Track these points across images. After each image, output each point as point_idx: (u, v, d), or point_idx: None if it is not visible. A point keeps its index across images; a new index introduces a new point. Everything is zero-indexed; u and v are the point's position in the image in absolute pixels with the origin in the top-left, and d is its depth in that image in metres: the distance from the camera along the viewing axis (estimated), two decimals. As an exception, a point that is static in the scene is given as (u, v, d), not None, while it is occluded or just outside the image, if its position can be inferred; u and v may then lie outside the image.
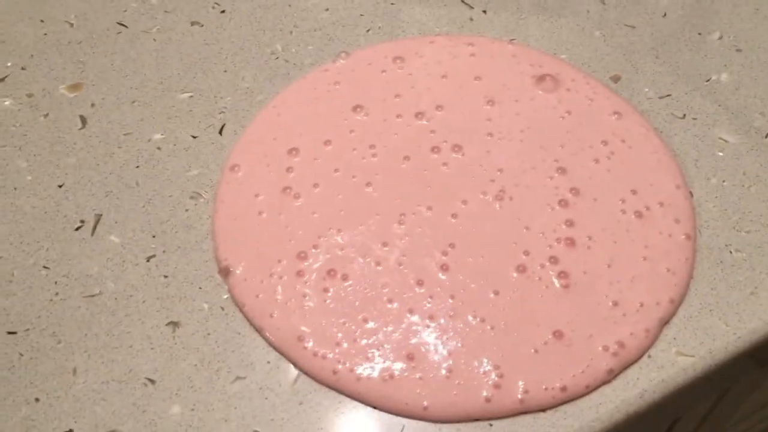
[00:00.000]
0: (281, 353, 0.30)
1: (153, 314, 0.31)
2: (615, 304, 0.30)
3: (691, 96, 0.39)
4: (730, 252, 0.33)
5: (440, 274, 0.31)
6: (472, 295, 0.31)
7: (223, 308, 0.31)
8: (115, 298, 0.31)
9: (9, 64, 0.40)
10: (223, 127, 0.38)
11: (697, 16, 0.43)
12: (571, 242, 0.32)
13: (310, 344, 0.30)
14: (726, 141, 0.37)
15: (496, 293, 0.31)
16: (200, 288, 0.32)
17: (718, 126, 0.37)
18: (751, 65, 0.40)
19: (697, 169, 0.35)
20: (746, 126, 0.37)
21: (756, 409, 0.50)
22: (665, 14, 0.43)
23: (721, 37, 0.42)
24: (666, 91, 0.39)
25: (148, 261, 0.33)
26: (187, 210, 0.34)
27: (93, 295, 0.31)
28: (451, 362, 0.29)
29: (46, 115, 0.38)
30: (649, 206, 0.33)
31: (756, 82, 0.39)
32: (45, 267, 0.32)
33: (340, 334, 0.30)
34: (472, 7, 0.43)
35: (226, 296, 0.32)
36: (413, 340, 0.29)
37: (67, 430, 0.28)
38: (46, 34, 0.42)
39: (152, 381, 0.29)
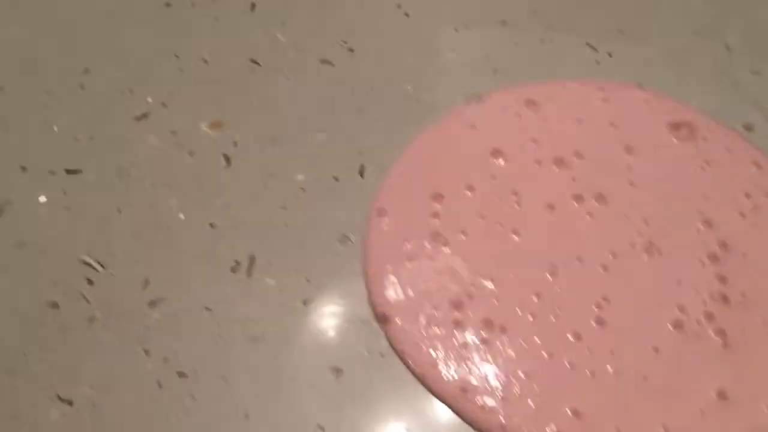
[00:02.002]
0: (446, 403, 0.30)
1: (315, 359, 0.32)
2: (777, 364, 0.31)
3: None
4: None
5: (597, 328, 0.32)
6: (633, 351, 0.31)
7: (382, 355, 0.32)
8: (278, 342, 0.32)
9: (149, 100, 0.41)
10: (362, 168, 0.38)
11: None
12: (725, 299, 0.33)
13: (475, 396, 0.30)
14: None
15: (656, 350, 0.31)
16: (359, 334, 0.33)
17: None
18: None
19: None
20: None
21: None
22: (793, 60, 0.43)
23: None
24: (801, 140, 0.39)
25: (305, 305, 0.33)
26: (337, 254, 0.35)
27: (256, 339, 0.32)
28: (618, 419, 0.29)
29: (191, 153, 0.39)
30: (802, 263, 0.33)
31: None
32: (207, 308, 0.33)
33: (504, 387, 0.30)
34: (596, 50, 0.44)
35: (384, 342, 0.32)
36: (578, 396, 0.30)
37: (246, 475, 0.29)
38: (182, 70, 0.43)
39: (322, 428, 0.30)
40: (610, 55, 0.44)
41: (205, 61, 0.44)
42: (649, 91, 0.41)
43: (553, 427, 0.30)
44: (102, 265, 0.35)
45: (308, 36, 0.44)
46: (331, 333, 0.33)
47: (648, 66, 0.43)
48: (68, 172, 0.38)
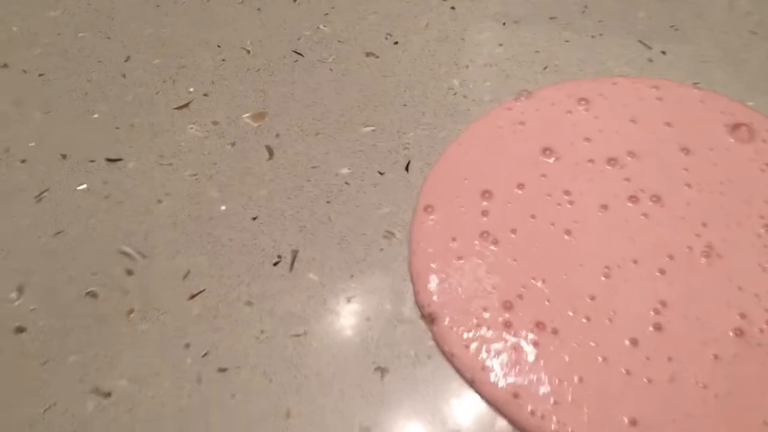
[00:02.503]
0: (495, 408, 0.29)
1: (360, 358, 0.31)
2: None
3: None
4: None
5: (654, 333, 0.30)
6: (691, 358, 0.30)
7: (429, 356, 0.31)
8: (321, 339, 0.31)
9: (191, 90, 0.41)
10: (408, 163, 0.37)
11: None
12: (789, 306, 0.31)
13: (527, 401, 0.29)
14: None
15: (716, 357, 0.30)
16: (404, 333, 0.31)
17: None
18: None
19: None
20: None
21: None
22: None
23: None
24: None
25: (348, 302, 0.32)
26: (381, 249, 0.34)
27: (298, 335, 0.31)
28: (677, 430, 0.28)
29: (233, 144, 0.38)
30: None
31: None
32: (248, 303, 0.32)
33: (556, 393, 0.29)
34: (650, 48, 0.42)
35: (431, 343, 0.31)
36: (635, 404, 0.29)
37: (288, 475, 0.28)
38: (224, 60, 0.42)
39: (367, 429, 0.29)
40: (663, 53, 0.42)
41: (248, 51, 0.43)
42: (705, 90, 0.40)
43: (608, 435, 0.28)
44: (142, 255, 0.34)
45: (352, 28, 0.43)
46: (376, 332, 0.32)
47: (703, 65, 0.42)
48: (108, 160, 0.38)
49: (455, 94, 0.41)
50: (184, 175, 0.37)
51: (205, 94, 0.41)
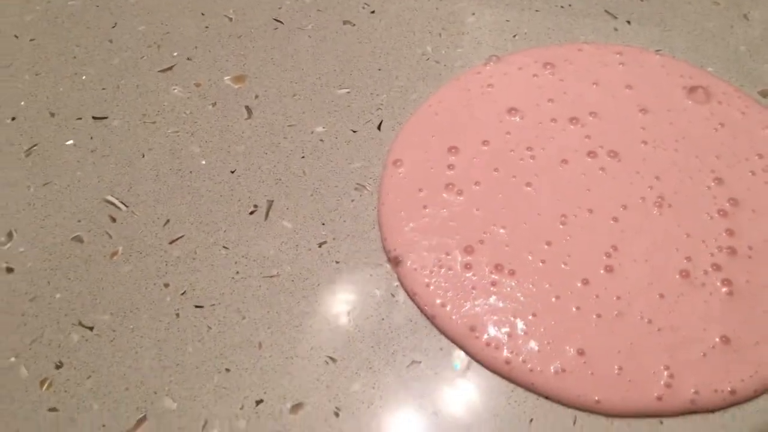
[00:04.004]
0: (454, 341, 0.31)
1: (328, 297, 0.33)
2: (781, 313, 0.31)
3: None
4: None
5: (604, 274, 0.32)
6: (638, 296, 0.32)
7: (393, 295, 0.33)
8: (292, 280, 0.33)
9: (175, 54, 0.43)
10: (381, 123, 0.39)
11: None
12: (732, 251, 0.33)
13: (482, 335, 0.31)
14: None
15: (662, 296, 0.32)
16: (371, 275, 0.33)
17: None
18: None
19: None
20: None
21: None
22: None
23: None
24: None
25: (320, 247, 0.34)
26: (352, 200, 0.36)
27: (272, 276, 0.33)
28: (621, 360, 0.30)
29: (214, 104, 0.40)
30: (810, 220, 0.34)
31: None
32: (225, 247, 0.34)
33: (510, 327, 0.31)
34: (616, 17, 0.44)
35: (396, 284, 0.33)
36: (583, 337, 0.31)
37: (258, 399, 0.30)
38: (207, 27, 0.44)
39: (333, 359, 0.31)
40: (628, 22, 0.44)
41: (230, 19, 0.45)
42: (666, 56, 0.42)
43: (557, 364, 0.30)
44: (125, 204, 0.36)
45: (331, -3, 0.45)
46: (344, 274, 0.34)
47: (666, 33, 0.44)
48: (95, 118, 0.40)
49: (428, 59, 0.43)
50: (166, 132, 0.39)
51: (188, 58, 0.43)
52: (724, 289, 0.32)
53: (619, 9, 0.45)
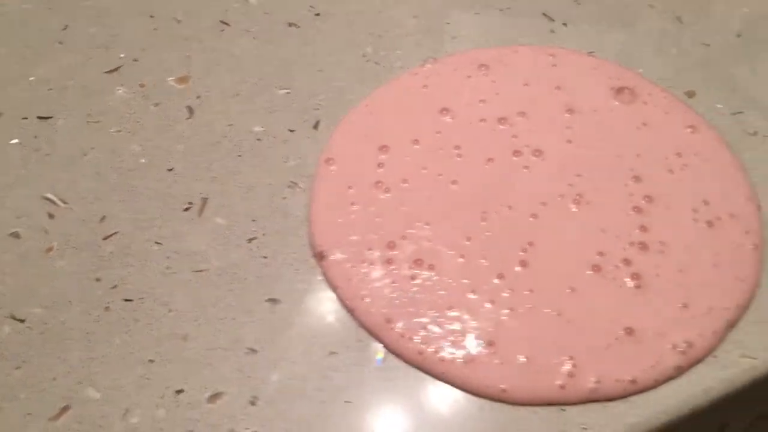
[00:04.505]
0: (371, 333, 0.33)
1: (254, 290, 0.34)
2: (685, 306, 0.32)
3: (764, 114, 0.40)
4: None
5: (520, 269, 0.34)
6: (550, 289, 0.33)
7: (318, 290, 0.34)
8: (220, 274, 0.35)
9: (122, 56, 0.44)
10: (318, 122, 0.41)
11: (773, 37, 0.44)
12: (644, 246, 0.34)
13: (398, 327, 0.32)
14: (797, 159, 0.38)
15: (572, 290, 0.33)
16: (297, 270, 0.35)
17: (789, 144, 0.39)
18: (825, 87, 0.42)
19: (766, 184, 0.37)
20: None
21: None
22: (739, 35, 0.45)
23: (796, 59, 0.43)
24: (738, 108, 0.41)
25: (249, 242, 0.36)
26: (284, 198, 0.37)
27: (200, 271, 0.35)
28: (528, 350, 0.31)
29: (156, 104, 0.41)
30: (720, 216, 0.35)
31: (829, 104, 0.41)
32: (157, 243, 0.36)
33: (425, 319, 0.33)
34: (553, 20, 0.46)
35: (320, 278, 0.35)
36: (493, 329, 0.32)
37: (178, 389, 0.31)
38: (156, 29, 0.45)
39: (254, 350, 0.32)
40: (565, 24, 0.46)
41: (178, 21, 0.46)
42: (597, 58, 0.43)
43: (467, 355, 0.32)
44: (64, 201, 0.37)
45: (278, 0, 0.47)
46: (272, 269, 0.35)
47: (601, 35, 0.45)
48: (40, 118, 0.41)
49: (368, 61, 0.44)
50: (109, 132, 0.40)
51: (135, 60, 0.44)
52: (632, 283, 0.33)
53: (556, 12, 0.46)
